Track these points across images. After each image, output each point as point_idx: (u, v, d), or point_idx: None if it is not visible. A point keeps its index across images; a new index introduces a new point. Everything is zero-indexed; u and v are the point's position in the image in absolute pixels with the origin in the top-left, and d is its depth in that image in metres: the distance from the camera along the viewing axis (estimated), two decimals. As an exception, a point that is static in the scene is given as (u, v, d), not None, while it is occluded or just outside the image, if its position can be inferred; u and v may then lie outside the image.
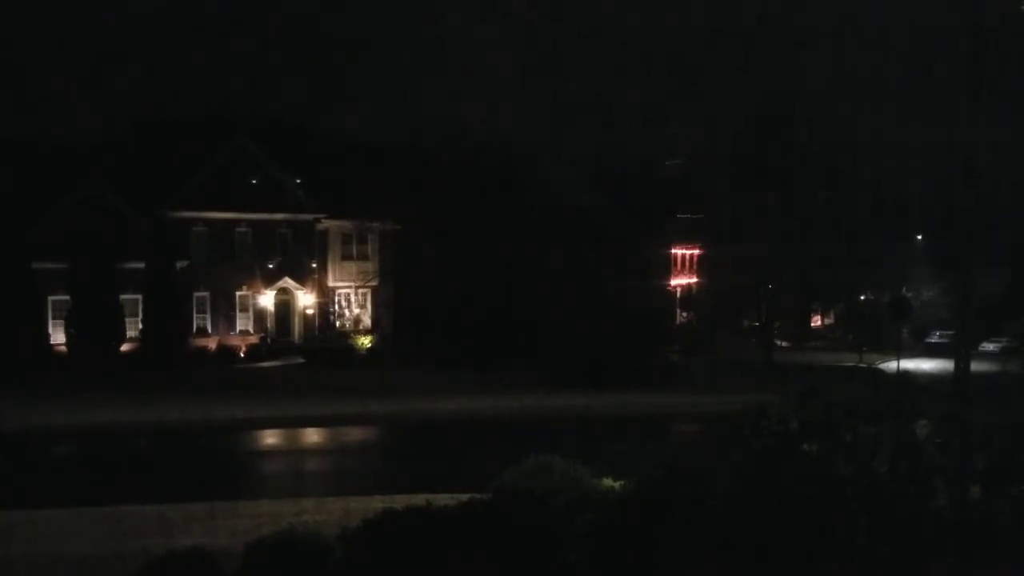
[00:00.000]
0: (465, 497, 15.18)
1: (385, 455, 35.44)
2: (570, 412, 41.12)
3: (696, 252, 70.31)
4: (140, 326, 51.34)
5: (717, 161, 60.17)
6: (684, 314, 70.27)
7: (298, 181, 57.29)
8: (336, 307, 59.30)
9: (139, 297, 51.57)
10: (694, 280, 70.87)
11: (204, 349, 53.20)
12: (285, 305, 57.24)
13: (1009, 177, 53.39)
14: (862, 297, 71.70)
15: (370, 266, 59.63)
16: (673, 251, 69.13)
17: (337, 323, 59.05)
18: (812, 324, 76.76)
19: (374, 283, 59.58)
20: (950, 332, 59.91)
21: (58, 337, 49.68)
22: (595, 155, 59.92)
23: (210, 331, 54.65)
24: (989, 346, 65.27)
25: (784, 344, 66.10)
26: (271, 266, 56.25)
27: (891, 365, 50.56)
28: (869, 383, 14.91)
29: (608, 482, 16.13)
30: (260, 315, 56.25)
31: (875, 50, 56.75)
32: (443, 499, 15.89)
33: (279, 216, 56.20)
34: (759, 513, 12.30)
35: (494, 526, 13.50)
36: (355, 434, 38.31)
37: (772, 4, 57.44)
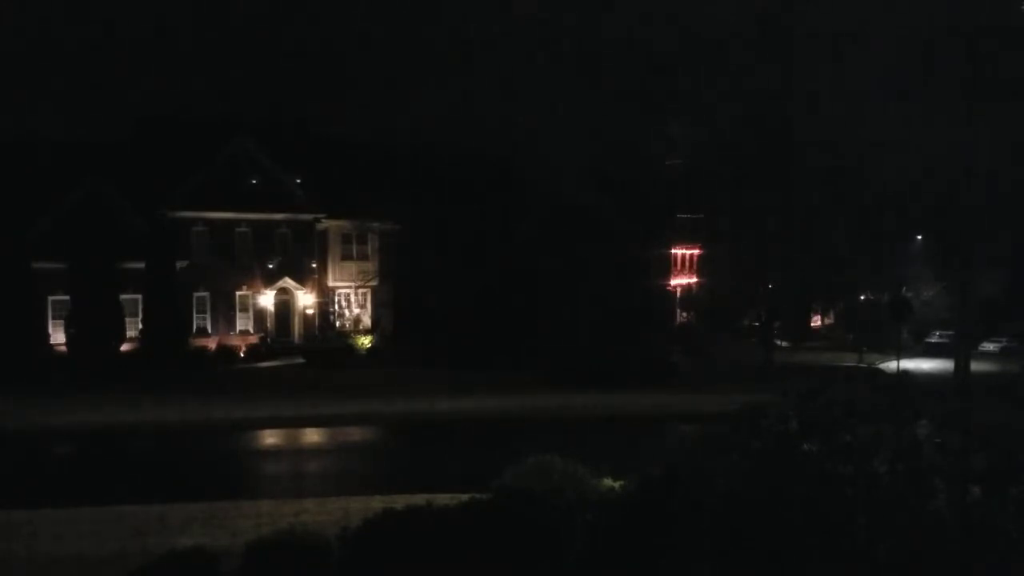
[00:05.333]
0: (465, 497, 15.19)
1: (385, 455, 35.43)
2: (570, 412, 41.09)
3: (696, 252, 70.31)
4: (140, 326, 51.39)
5: (717, 161, 60.18)
6: (684, 314, 70.27)
7: (298, 181, 57.31)
8: (336, 307, 59.33)
9: (139, 297, 51.64)
10: (694, 280, 70.87)
11: (204, 349, 53.19)
12: (285, 305, 57.26)
13: (1009, 177, 53.39)
14: (862, 297, 71.71)
15: (370, 266, 59.66)
16: (673, 251, 69.13)
17: (337, 323, 59.08)
18: (812, 324, 76.76)
19: (374, 283, 59.60)
20: (950, 332, 59.92)
21: (58, 337, 49.71)
22: (595, 155, 59.92)
23: (210, 331, 54.67)
24: (989, 346, 65.36)
25: (784, 344, 66.11)
26: (271, 266, 56.26)
27: (891, 365, 50.53)
28: (869, 383, 14.86)
29: (608, 482, 16.13)
30: (260, 315, 56.27)
31: (876, 50, 56.76)
32: (443, 499, 15.90)
33: (279, 216, 56.23)
34: (759, 513, 12.30)
35: (494, 526, 13.50)
36: (355, 434, 38.29)
37: (773, 4, 57.44)
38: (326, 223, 58.27)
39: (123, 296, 50.59)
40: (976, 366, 50.90)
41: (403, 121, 55.68)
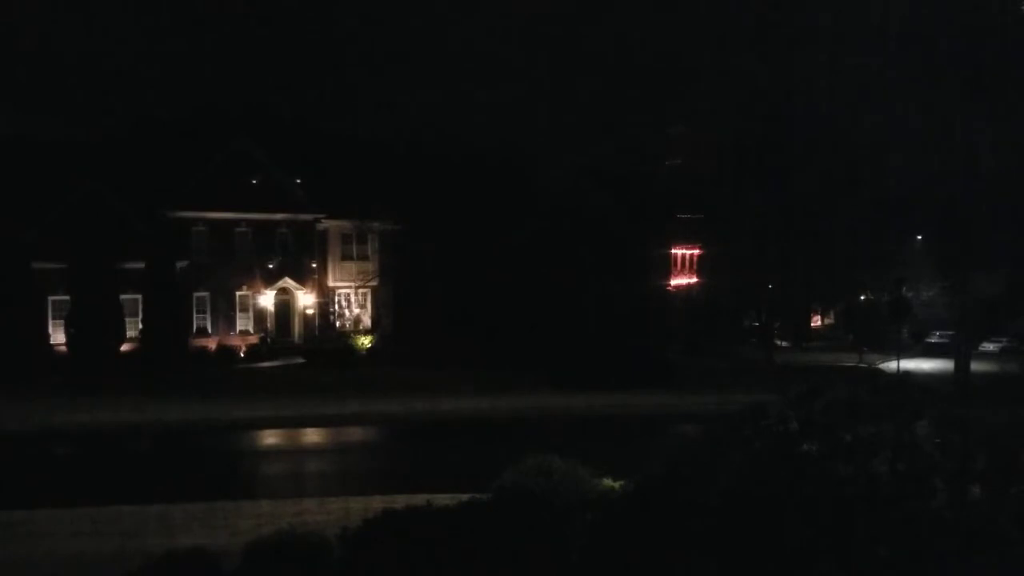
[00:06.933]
0: (465, 497, 15.19)
1: (385, 455, 35.42)
2: (570, 412, 41.11)
3: (696, 252, 70.31)
4: (140, 326, 51.42)
5: (717, 161, 60.18)
6: (684, 314, 70.20)
7: (298, 181, 57.32)
8: (336, 307, 59.31)
9: (139, 297, 51.68)
10: (694, 280, 70.86)
11: (204, 349, 53.20)
12: (285, 305, 57.26)
13: (1009, 176, 53.31)
14: (862, 297, 71.69)
15: (370, 266, 59.63)
16: (673, 251, 69.10)
17: (337, 323, 59.07)
18: (812, 324, 76.75)
19: (374, 283, 59.58)
20: (950, 332, 59.90)
21: (58, 337, 49.72)
22: (596, 155, 59.88)
23: (210, 331, 54.67)
24: (989, 346, 65.38)
25: (784, 344, 66.11)
26: (271, 266, 56.26)
27: (891, 365, 50.55)
28: (869, 383, 14.94)
29: (608, 482, 16.13)
30: (260, 315, 56.26)
31: (875, 49, 56.66)
32: (443, 499, 15.90)
33: (279, 216, 56.23)
34: (759, 513, 12.30)
35: (494, 526, 13.50)
36: (355, 434, 38.29)
37: (772, 3, 57.43)
38: (326, 223, 58.26)
39: (123, 296, 50.61)
40: (976, 366, 51.16)
41: (404, 120, 55.61)
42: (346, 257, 59.76)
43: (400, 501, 16.52)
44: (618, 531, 13.24)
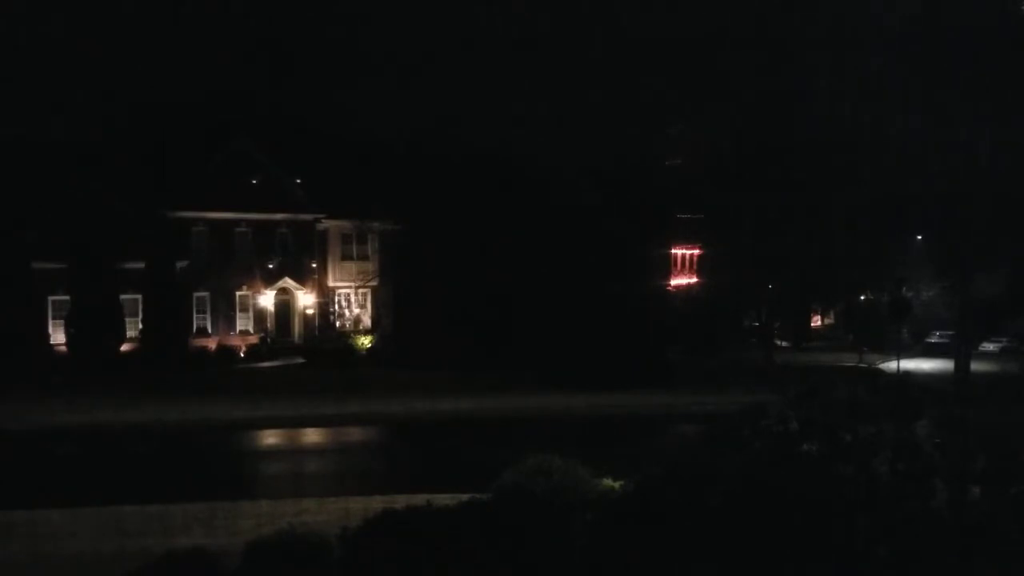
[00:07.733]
0: (465, 497, 15.20)
1: (385, 455, 35.40)
2: (570, 412, 41.08)
3: (696, 252, 70.31)
4: (140, 326, 51.46)
5: (717, 161, 60.12)
6: (684, 314, 70.18)
7: (298, 181, 57.34)
8: (336, 307, 59.34)
9: (139, 297, 51.72)
10: (694, 280, 70.86)
11: (204, 349, 53.21)
12: (285, 305, 57.28)
13: (1010, 176, 53.31)
14: (862, 297, 71.73)
15: (370, 266, 59.63)
16: (673, 251, 69.07)
17: (337, 323, 59.09)
18: (812, 324, 76.77)
19: (374, 283, 59.58)
20: (950, 332, 59.93)
21: (58, 337, 49.75)
22: (595, 155, 59.81)
23: (210, 331, 54.70)
24: (989, 346, 65.46)
25: (784, 344, 66.11)
26: (271, 266, 56.28)
27: (891, 365, 50.54)
28: (869, 383, 15.00)
29: (608, 482, 16.12)
30: (260, 315, 56.28)
31: (875, 49, 56.61)
32: (443, 499, 15.90)
33: (279, 216, 56.25)
34: (759, 513, 12.30)
35: (494, 526, 13.51)
36: (355, 434, 38.26)
37: (772, 3, 57.36)
38: (326, 223, 58.27)
39: (123, 296, 50.64)
40: (976, 366, 51.19)
41: (404, 120, 55.57)
42: (346, 257, 59.79)
43: (400, 501, 16.51)
44: (618, 531, 13.25)
